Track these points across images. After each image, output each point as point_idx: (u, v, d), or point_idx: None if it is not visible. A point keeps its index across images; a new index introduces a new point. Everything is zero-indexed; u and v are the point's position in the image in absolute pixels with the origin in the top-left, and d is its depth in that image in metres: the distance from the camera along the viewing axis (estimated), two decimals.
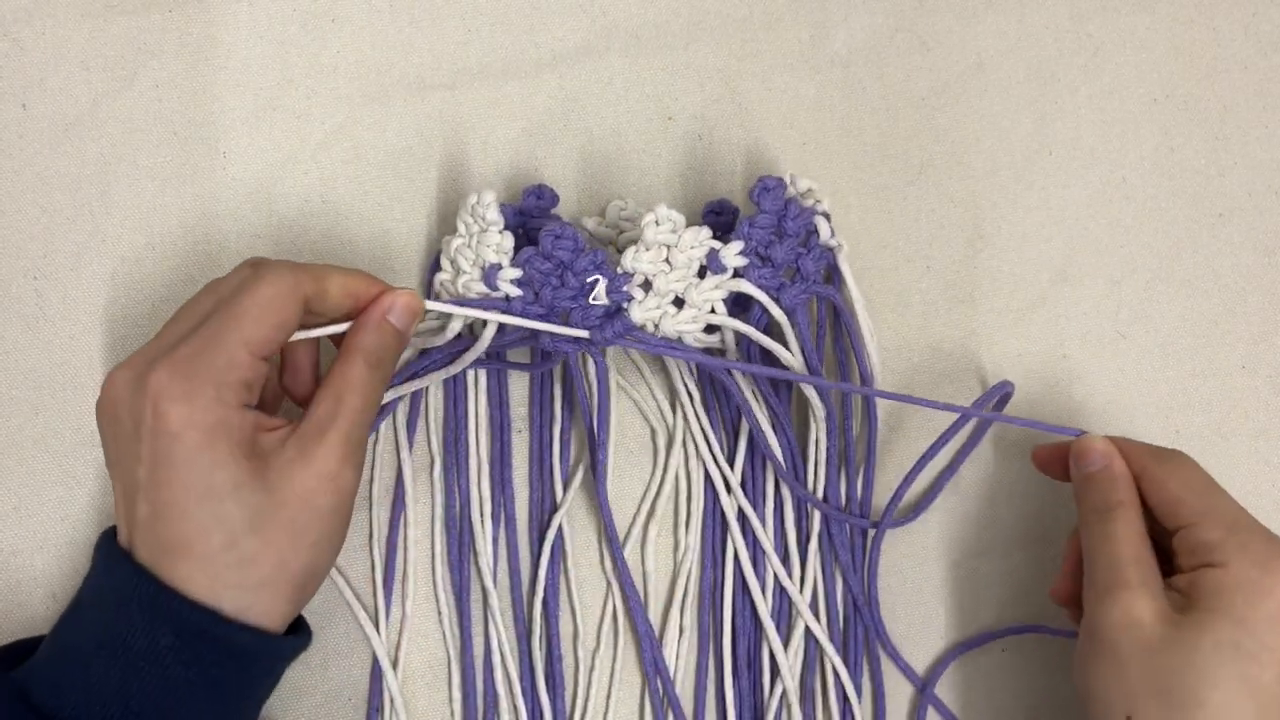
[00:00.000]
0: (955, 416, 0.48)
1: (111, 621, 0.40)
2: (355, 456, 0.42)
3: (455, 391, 0.51)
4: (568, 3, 0.54)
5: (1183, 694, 0.41)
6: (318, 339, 0.45)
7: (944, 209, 0.54)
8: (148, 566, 0.40)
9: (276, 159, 0.53)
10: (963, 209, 0.54)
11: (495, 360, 0.51)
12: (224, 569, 0.40)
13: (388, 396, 0.49)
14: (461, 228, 0.48)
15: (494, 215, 0.47)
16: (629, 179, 0.54)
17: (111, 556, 0.41)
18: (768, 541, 0.51)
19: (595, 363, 0.49)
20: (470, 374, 0.51)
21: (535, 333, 0.47)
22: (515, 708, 0.50)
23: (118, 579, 0.41)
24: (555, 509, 0.51)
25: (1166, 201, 0.54)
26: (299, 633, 0.44)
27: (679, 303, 0.48)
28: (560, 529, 0.51)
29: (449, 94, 0.54)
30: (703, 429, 0.51)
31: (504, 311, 0.47)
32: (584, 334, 0.46)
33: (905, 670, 0.51)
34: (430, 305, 0.46)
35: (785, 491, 0.51)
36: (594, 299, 0.46)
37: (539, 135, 0.54)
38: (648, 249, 0.46)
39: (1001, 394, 0.50)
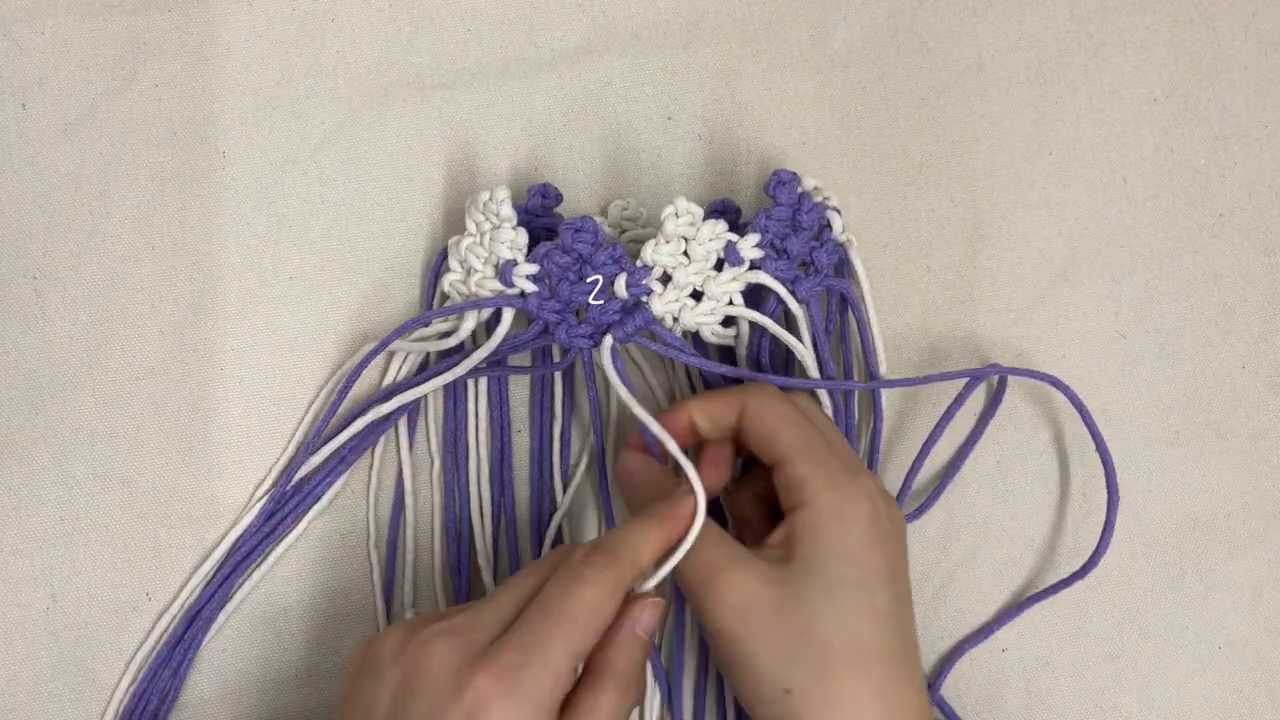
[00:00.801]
0: (955, 419, 0.48)
1: None
2: None
3: (455, 392, 0.51)
4: (568, 3, 0.54)
5: (815, 646, 0.40)
6: None
7: (944, 209, 0.54)
8: None
9: (276, 159, 0.53)
10: (963, 209, 0.54)
11: (497, 367, 0.50)
12: None
13: (391, 405, 0.49)
14: (472, 226, 0.48)
15: (508, 211, 0.47)
16: (629, 178, 0.54)
17: None
18: None
19: (615, 365, 0.47)
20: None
21: (548, 330, 0.47)
22: None
23: None
24: (555, 509, 0.51)
25: (1166, 201, 0.54)
26: None
27: (697, 296, 0.48)
28: (560, 529, 0.51)
29: (449, 94, 0.54)
30: None
31: (519, 309, 0.47)
32: (609, 341, 0.47)
33: None
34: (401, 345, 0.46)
35: None
36: (614, 293, 0.46)
37: (539, 135, 0.54)
38: (667, 241, 0.47)
39: (990, 376, 0.51)
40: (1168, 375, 0.53)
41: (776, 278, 0.48)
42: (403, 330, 0.49)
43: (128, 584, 0.50)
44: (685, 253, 0.47)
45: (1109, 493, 0.49)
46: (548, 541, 0.51)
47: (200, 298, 0.52)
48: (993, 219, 0.54)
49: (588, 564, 0.40)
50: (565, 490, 0.51)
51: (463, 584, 0.51)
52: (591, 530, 0.52)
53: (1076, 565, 0.51)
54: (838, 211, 0.49)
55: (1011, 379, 0.52)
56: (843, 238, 0.50)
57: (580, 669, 0.40)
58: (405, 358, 0.51)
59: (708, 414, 0.45)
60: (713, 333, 0.48)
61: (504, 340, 0.48)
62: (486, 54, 0.54)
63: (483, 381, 0.51)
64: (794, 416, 0.44)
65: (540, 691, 0.38)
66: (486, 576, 0.50)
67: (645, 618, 0.42)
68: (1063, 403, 0.52)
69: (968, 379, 0.50)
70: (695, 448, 0.47)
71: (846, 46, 0.55)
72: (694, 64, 0.54)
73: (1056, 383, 0.50)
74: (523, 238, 0.47)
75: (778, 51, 0.54)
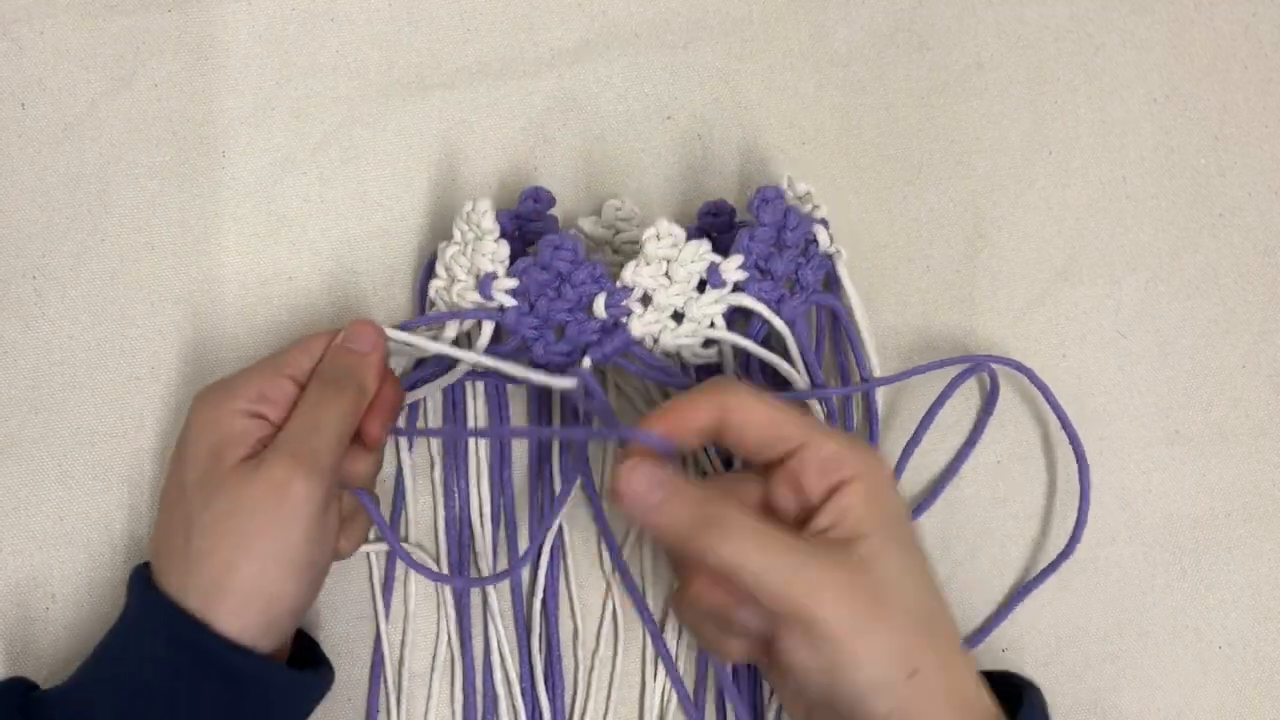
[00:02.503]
0: (955, 420, 0.48)
1: (119, 623, 0.44)
2: (306, 468, 0.42)
3: (454, 395, 0.51)
4: (568, 3, 0.54)
5: (924, 619, 0.40)
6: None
7: (944, 209, 0.54)
8: (151, 562, 0.44)
9: (276, 159, 0.53)
10: (963, 209, 0.54)
11: (493, 375, 0.50)
12: (183, 566, 0.42)
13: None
14: (457, 235, 0.48)
15: (489, 223, 0.46)
16: (628, 178, 0.54)
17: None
18: None
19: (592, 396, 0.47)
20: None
21: (528, 346, 0.47)
22: (515, 708, 0.50)
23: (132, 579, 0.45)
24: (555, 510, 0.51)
25: (1166, 201, 0.54)
26: (315, 672, 0.45)
27: (678, 317, 0.47)
28: (560, 530, 0.51)
29: (448, 94, 0.54)
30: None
31: (498, 323, 0.46)
32: (570, 385, 0.45)
33: None
34: (391, 334, 0.47)
35: None
36: (593, 312, 0.46)
37: (538, 135, 0.54)
38: (648, 263, 0.46)
39: (981, 370, 0.51)
40: (1168, 375, 0.53)
41: (760, 299, 0.47)
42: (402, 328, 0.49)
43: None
44: (667, 274, 0.47)
45: (1080, 474, 0.50)
46: (548, 542, 0.51)
47: (200, 298, 0.52)
48: (993, 219, 0.54)
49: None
50: (564, 491, 0.51)
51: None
52: (591, 531, 0.52)
53: (1078, 563, 0.51)
54: (825, 224, 0.49)
55: (1000, 373, 0.52)
56: (830, 250, 0.49)
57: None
58: (397, 362, 0.51)
59: (692, 419, 0.42)
60: (694, 354, 0.48)
61: (484, 352, 0.48)
62: (486, 54, 0.54)
63: (480, 384, 0.51)
64: (777, 402, 0.42)
65: (327, 460, 0.43)
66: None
67: (349, 331, 0.45)
68: (1062, 401, 0.52)
69: (962, 370, 0.50)
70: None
71: (846, 46, 0.55)
72: (694, 64, 0.54)
73: (1020, 367, 0.51)
74: (504, 250, 0.47)
75: (778, 51, 0.54)
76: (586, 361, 0.47)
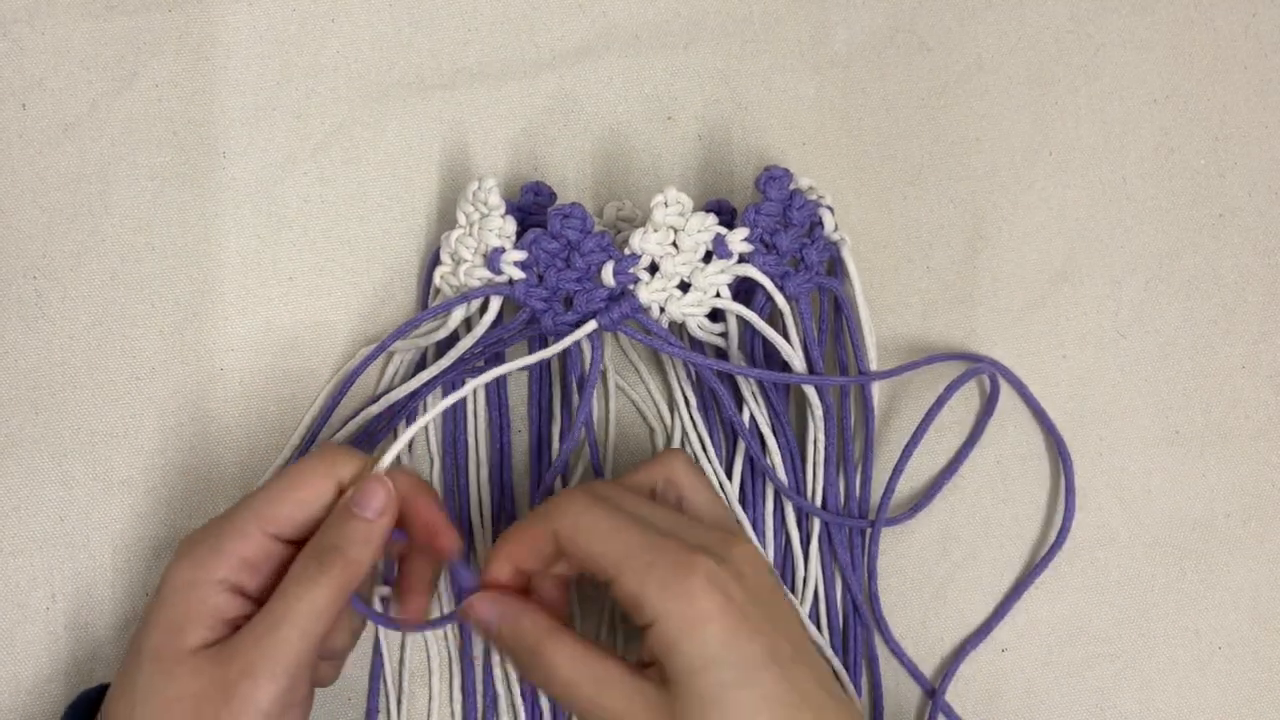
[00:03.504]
0: (956, 420, 0.48)
1: None
2: (265, 672, 0.39)
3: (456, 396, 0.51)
4: (568, 3, 0.54)
5: None
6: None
7: (944, 209, 0.54)
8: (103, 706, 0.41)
9: (276, 159, 0.53)
10: (963, 209, 0.54)
11: (495, 361, 0.50)
12: None
13: (379, 406, 0.49)
14: (462, 218, 0.48)
15: (496, 200, 0.47)
16: (629, 179, 0.54)
17: None
18: (768, 543, 0.51)
19: (593, 349, 0.48)
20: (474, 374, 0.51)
21: (535, 319, 0.47)
22: (515, 708, 0.50)
23: None
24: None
25: (1166, 201, 0.54)
26: None
27: (684, 288, 0.48)
28: None
29: (449, 94, 0.54)
30: (699, 434, 0.51)
31: (507, 296, 0.46)
32: (591, 327, 0.46)
33: (913, 673, 0.51)
34: (395, 348, 0.46)
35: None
36: (601, 280, 0.46)
37: (539, 135, 0.54)
38: (655, 230, 0.47)
39: (981, 373, 0.51)
40: (1168, 375, 0.53)
41: (765, 272, 0.48)
42: (401, 333, 0.49)
43: (128, 584, 0.50)
44: (674, 243, 0.47)
45: (1064, 465, 0.51)
46: None
47: (200, 298, 0.52)
48: (993, 219, 0.54)
49: (321, 569, 0.40)
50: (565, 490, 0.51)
51: None
52: None
53: (1078, 563, 0.51)
54: (830, 209, 0.49)
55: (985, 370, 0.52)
56: (835, 235, 0.49)
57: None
58: (401, 358, 0.51)
59: (523, 552, 0.41)
60: (699, 326, 0.48)
61: (490, 331, 0.48)
62: (486, 54, 0.54)
63: (480, 388, 0.51)
64: (606, 523, 0.39)
65: (292, 658, 0.39)
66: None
67: (355, 496, 0.41)
68: (1061, 401, 0.52)
69: (959, 374, 0.50)
70: (526, 588, 0.43)
71: (846, 46, 0.55)
72: (694, 64, 0.54)
73: (998, 366, 0.51)
74: (511, 225, 0.47)
75: (778, 51, 0.54)
76: (590, 325, 0.46)
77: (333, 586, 0.40)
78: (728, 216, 0.52)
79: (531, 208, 0.51)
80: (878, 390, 0.52)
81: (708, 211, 0.51)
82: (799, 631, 0.40)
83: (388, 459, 0.43)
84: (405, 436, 0.43)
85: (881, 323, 0.53)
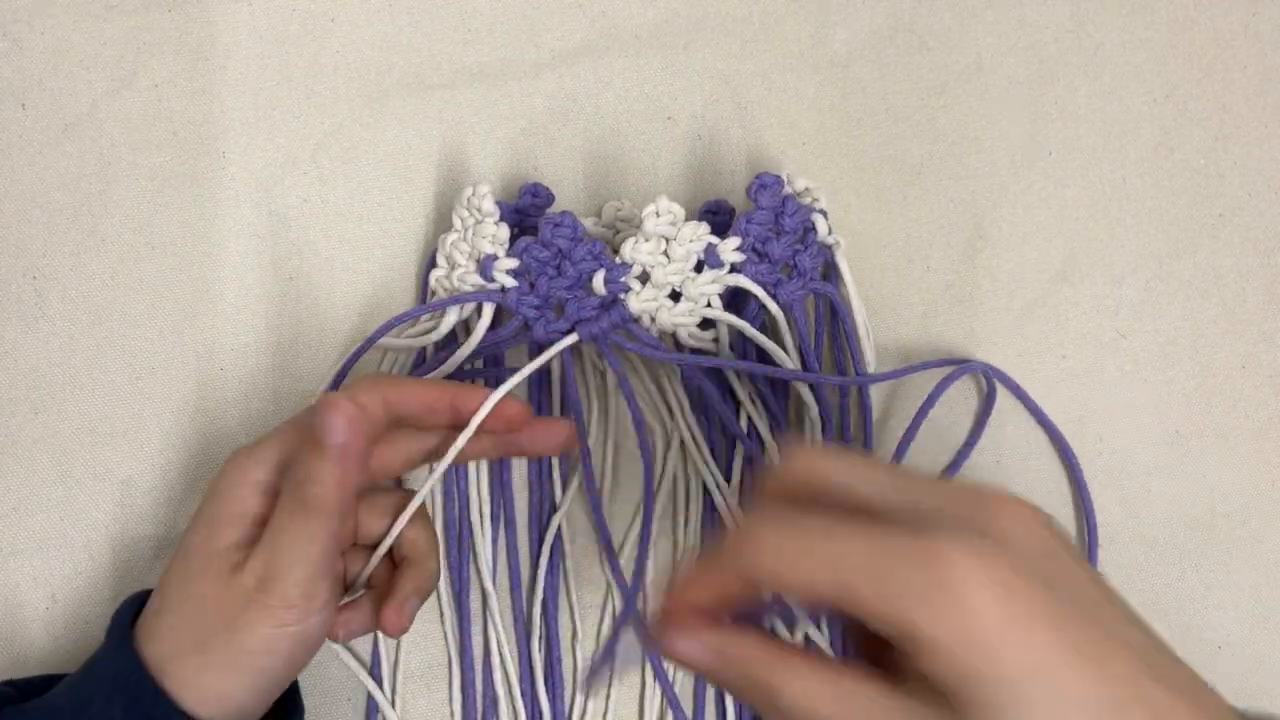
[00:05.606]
0: (955, 420, 0.48)
1: (90, 667, 0.42)
2: (276, 606, 0.39)
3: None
4: (568, 3, 0.54)
5: None
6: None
7: (944, 209, 0.54)
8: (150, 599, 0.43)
9: (276, 159, 0.53)
10: (963, 209, 0.54)
11: (492, 364, 0.50)
12: (159, 628, 0.41)
13: None
14: (457, 222, 0.48)
15: (489, 206, 0.47)
16: (629, 179, 0.54)
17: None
18: None
19: (609, 362, 0.48)
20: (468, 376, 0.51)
21: (529, 327, 0.47)
22: (515, 709, 0.50)
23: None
24: (554, 510, 0.51)
25: (1166, 201, 0.54)
26: None
27: (675, 297, 0.48)
28: (559, 530, 0.51)
29: (448, 94, 0.54)
30: (694, 436, 0.51)
31: (499, 304, 0.46)
32: (573, 339, 0.46)
33: None
34: (386, 343, 0.47)
35: None
36: (592, 289, 0.46)
37: (539, 135, 0.54)
38: (647, 240, 0.47)
39: (973, 372, 0.51)
40: (1168, 375, 0.53)
41: (757, 281, 0.48)
42: (386, 328, 0.49)
43: (128, 584, 0.50)
44: (665, 252, 0.47)
45: (1069, 466, 0.51)
46: (547, 542, 0.51)
47: (200, 298, 0.52)
48: (993, 219, 0.54)
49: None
50: (564, 492, 0.51)
51: (462, 585, 0.51)
52: (590, 531, 0.52)
53: None
54: (823, 214, 0.49)
55: (1013, 378, 0.52)
56: (829, 240, 0.49)
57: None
58: (396, 357, 0.51)
59: (703, 601, 0.33)
60: (689, 335, 0.48)
61: (484, 337, 0.48)
62: (486, 54, 0.54)
63: (479, 383, 0.51)
64: (812, 526, 0.31)
65: (295, 596, 0.40)
66: (486, 578, 0.50)
67: (324, 418, 0.40)
68: (1061, 401, 0.52)
69: (949, 373, 0.50)
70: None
71: (846, 46, 0.55)
72: (694, 64, 0.54)
73: (990, 368, 0.51)
74: (504, 232, 0.47)
75: (778, 51, 0.54)
76: (572, 336, 0.47)
77: (313, 526, 0.40)
78: (726, 217, 0.51)
79: (530, 209, 0.50)
80: (875, 394, 0.52)
81: (707, 211, 0.52)
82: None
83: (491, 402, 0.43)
84: (503, 388, 0.44)
85: (881, 323, 0.53)
